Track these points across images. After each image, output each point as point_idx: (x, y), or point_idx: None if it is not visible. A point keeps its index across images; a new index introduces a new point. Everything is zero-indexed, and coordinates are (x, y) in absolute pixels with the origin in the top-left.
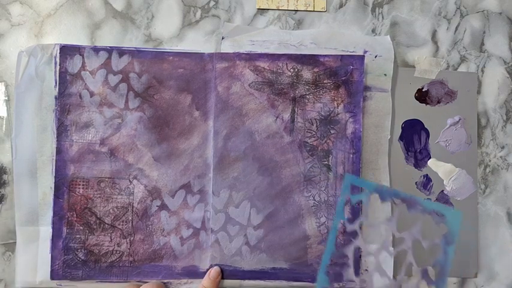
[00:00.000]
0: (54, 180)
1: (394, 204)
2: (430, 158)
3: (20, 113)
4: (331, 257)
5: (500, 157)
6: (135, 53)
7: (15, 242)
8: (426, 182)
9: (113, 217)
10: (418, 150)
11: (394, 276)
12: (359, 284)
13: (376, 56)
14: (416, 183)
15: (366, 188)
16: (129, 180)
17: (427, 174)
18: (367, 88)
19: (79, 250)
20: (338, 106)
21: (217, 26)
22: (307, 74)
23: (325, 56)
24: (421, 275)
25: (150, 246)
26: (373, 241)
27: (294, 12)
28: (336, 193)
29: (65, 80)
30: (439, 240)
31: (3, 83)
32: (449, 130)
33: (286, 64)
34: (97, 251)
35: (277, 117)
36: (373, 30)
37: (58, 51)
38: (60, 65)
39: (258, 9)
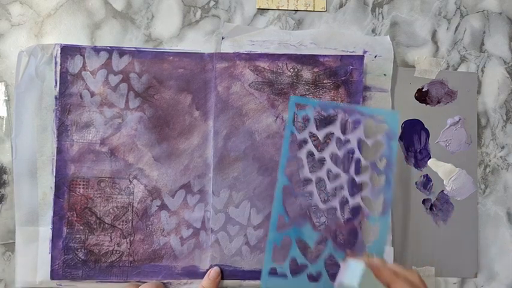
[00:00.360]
0: (54, 180)
1: (336, 115)
2: (430, 158)
3: (20, 113)
4: (287, 160)
5: (500, 157)
6: (136, 53)
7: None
8: (426, 182)
9: (113, 217)
10: (418, 150)
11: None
12: (314, 180)
13: (375, 56)
14: (416, 183)
15: (309, 104)
16: (129, 180)
17: (427, 174)
18: (366, 88)
19: (79, 250)
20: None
21: (217, 26)
22: (307, 74)
23: (325, 56)
24: (371, 168)
25: (150, 246)
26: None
27: (294, 12)
28: (336, 193)
29: (65, 80)
30: (382, 137)
31: (3, 83)
32: (449, 130)
33: (286, 64)
34: (97, 251)
35: (277, 117)
36: (373, 30)
37: (59, 51)
38: (61, 65)
39: (258, 9)
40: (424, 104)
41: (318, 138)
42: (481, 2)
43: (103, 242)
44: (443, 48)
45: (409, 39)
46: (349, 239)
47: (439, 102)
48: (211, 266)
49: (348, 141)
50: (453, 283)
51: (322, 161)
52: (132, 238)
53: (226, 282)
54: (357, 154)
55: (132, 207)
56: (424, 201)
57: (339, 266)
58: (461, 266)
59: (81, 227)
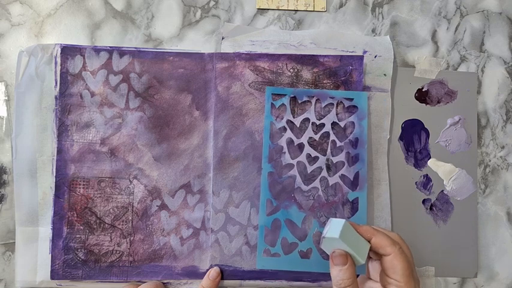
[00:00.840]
0: (54, 180)
1: (310, 101)
2: (430, 158)
3: (20, 112)
4: (269, 149)
5: (500, 157)
6: (136, 53)
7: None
8: (426, 182)
9: (113, 217)
10: (418, 150)
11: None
12: (296, 165)
13: (375, 56)
14: (416, 183)
15: (285, 93)
16: (129, 180)
17: (427, 174)
18: (366, 88)
19: (79, 250)
20: (338, 106)
21: (217, 26)
22: (306, 74)
23: (325, 56)
24: (345, 148)
25: (150, 246)
26: None
27: (294, 12)
28: (336, 193)
29: (66, 80)
30: (353, 118)
31: (3, 83)
32: (449, 130)
33: (286, 64)
34: (97, 251)
35: (277, 117)
36: (373, 30)
37: (59, 51)
38: (61, 65)
39: (258, 9)
40: (424, 104)
41: (295, 125)
42: (481, 2)
43: (103, 242)
44: (443, 48)
45: (409, 39)
46: (332, 215)
47: (439, 102)
48: (211, 266)
49: (322, 125)
50: (453, 283)
51: (301, 146)
52: (132, 238)
53: (226, 282)
54: (332, 136)
55: (132, 207)
56: (424, 201)
57: None
58: (461, 266)
59: (81, 227)
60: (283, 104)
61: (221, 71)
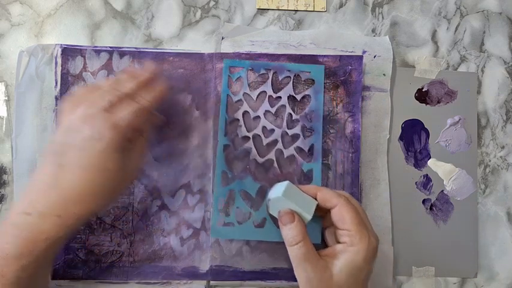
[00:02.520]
0: None
1: (267, 74)
2: (430, 158)
3: (20, 112)
4: (225, 121)
5: (500, 157)
6: (136, 54)
7: None
8: (426, 182)
9: (113, 217)
10: (418, 150)
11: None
12: (252, 137)
13: (374, 56)
14: (416, 183)
15: (243, 66)
16: None
17: (427, 174)
18: (366, 88)
19: (79, 250)
20: (337, 106)
21: (217, 26)
22: (306, 74)
23: (324, 56)
24: (301, 121)
25: (150, 246)
26: None
27: (294, 12)
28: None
29: (66, 81)
30: (309, 91)
31: (3, 83)
32: (449, 130)
33: None
34: (97, 251)
35: (277, 117)
36: (373, 30)
37: (59, 52)
38: (62, 66)
39: (258, 9)
40: (424, 104)
41: (251, 98)
42: (481, 2)
43: (103, 242)
44: (443, 48)
45: (409, 39)
46: None
47: (439, 102)
48: (211, 267)
49: (279, 98)
50: (453, 283)
51: (257, 119)
52: (132, 238)
53: (227, 282)
54: (288, 109)
55: (133, 207)
56: (424, 201)
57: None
58: (461, 266)
59: (82, 227)
60: (240, 77)
61: (221, 71)
